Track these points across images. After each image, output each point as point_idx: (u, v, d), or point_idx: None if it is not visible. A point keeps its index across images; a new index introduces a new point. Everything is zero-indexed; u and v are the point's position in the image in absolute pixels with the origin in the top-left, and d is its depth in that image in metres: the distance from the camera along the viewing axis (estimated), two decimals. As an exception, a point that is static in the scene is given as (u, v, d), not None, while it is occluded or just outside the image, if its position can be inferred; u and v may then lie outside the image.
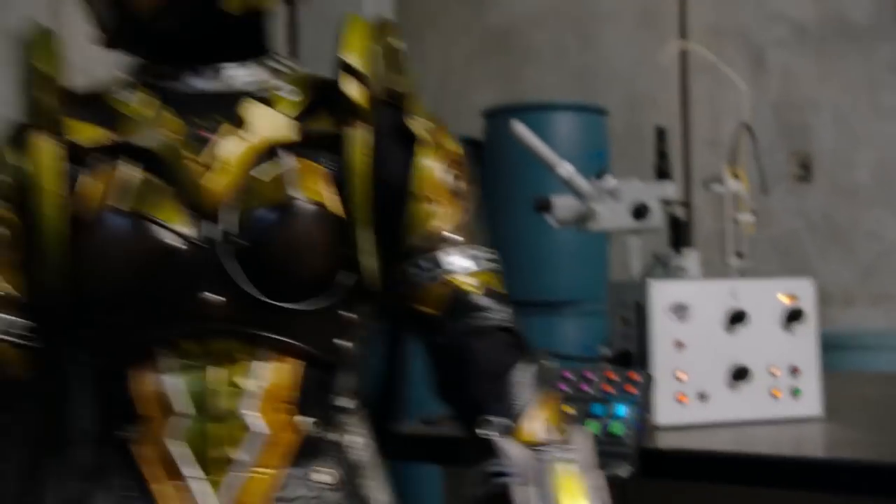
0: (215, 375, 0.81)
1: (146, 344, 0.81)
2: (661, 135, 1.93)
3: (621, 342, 1.35)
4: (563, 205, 1.89)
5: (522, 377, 0.84)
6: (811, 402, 1.30)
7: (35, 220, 0.82)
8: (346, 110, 0.84)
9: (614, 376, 1.16)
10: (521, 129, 1.99)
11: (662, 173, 1.88)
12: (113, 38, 0.88)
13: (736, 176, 1.82)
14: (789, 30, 3.40)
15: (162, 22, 0.84)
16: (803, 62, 3.38)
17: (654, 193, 1.85)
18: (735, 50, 3.44)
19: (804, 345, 1.30)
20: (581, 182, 1.93)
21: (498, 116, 3.27)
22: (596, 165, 2.98)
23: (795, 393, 1.28)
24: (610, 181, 1.89)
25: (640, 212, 1.82)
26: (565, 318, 2.94)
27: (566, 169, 1.94)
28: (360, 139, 0.84)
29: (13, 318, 0.84)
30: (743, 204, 1.82)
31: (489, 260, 0.88)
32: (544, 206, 1.87)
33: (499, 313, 0.85)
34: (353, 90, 0.84)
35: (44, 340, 0.85)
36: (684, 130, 3.50)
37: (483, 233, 0.90)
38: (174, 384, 0.80)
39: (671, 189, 1.87)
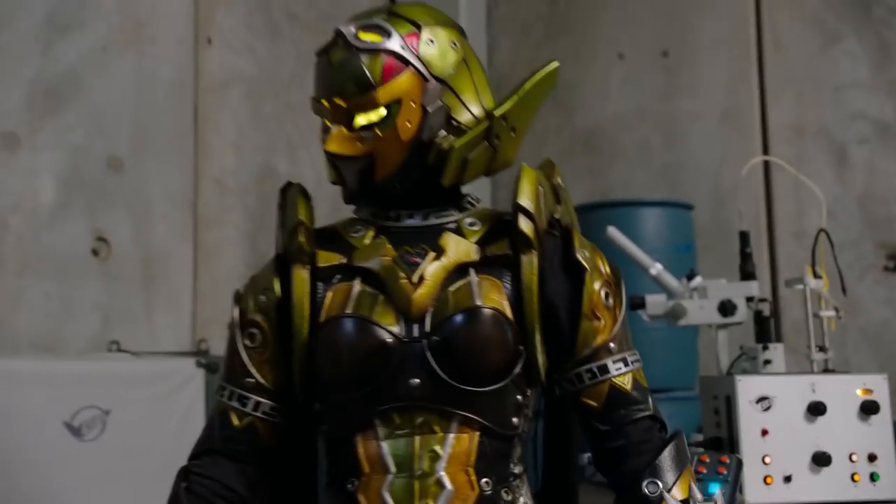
0: (419, 443, 1.04)
1: (368, 416, 1.05)
2: (744, 238, 2.11)
3: (713, 429, 1.51)
4: (655, 302, 2.08)
5: (670, 453, 1.06)
6: (889, 486, 1.43)
7: (290, 328, 1.08)
8: (520, 241, 1.08)
9: (707, 459, 1.33)
10: (615, 233, 2.21)
11: (747, 274, 2.05)
12: (351, 194, 1.15)
13: (817, 275, 1.97)
14: (870, 127, 3.52)
15: (391, 187, 1.11)
16: (886, 157, 3.48)
17: (740, 292, 2.02)
18: (817, 146, 3.57)
19: (880, 434, 1.44)
20: (671, 281, 2.12)
21: (589, 212, 3.44)
22: (683, 258, 3.15)
23: (874, 478, 1.42)
24: (698, 281, 2.07)
25: (726, 309, 1.99)
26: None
27: (657, 269, 2.14)
28: (531, 263, 1.07)
29: (262, 399, 1.11)
30: (825, 301, 1.96)
31: (635, 361, 1.12)
32: (638, 305, 2.06)
33: (645, 404, 1.10)
34: (526, 227, 1.07)
35: (286, 417, 1.12)
36: (769, 222, 3.60)
37: (628, 334, 1.13)
38: (389, 448, 1.04)
39: (755, 288, 2.03)
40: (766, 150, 3.64)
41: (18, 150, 2.39)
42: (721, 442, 1.47)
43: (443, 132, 1.10)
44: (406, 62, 1.08)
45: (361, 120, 1.08)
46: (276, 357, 1.11)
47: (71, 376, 2.03)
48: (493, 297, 1.06)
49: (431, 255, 1.09)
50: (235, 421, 1.11)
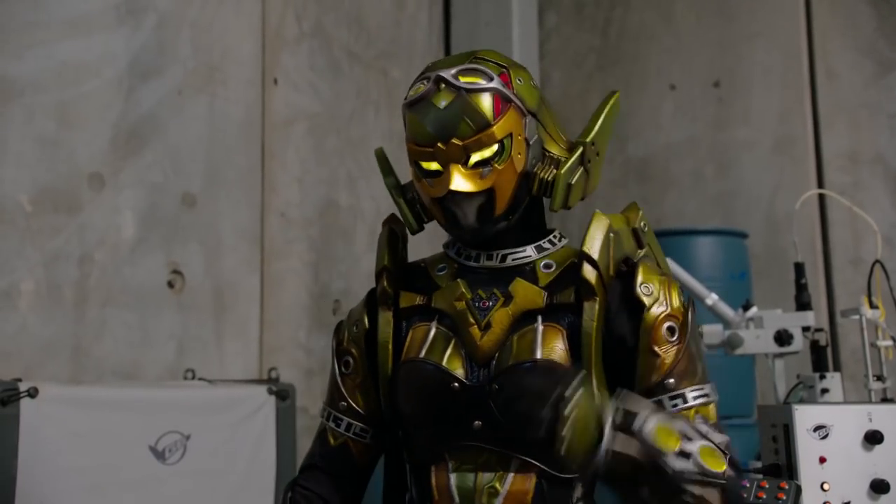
0: (482, 479, 1.11)
1: (441, 450, 1.14)
2: (799, 269, 2.14)
3: (771, 456, 1.56)
4: (712, 332, 2.13)
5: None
6: (948, 514, 1.46)
7: (376, 360, 1.18)
8: (584, 288, 1.12)
9: (767, 485, 1.38)
10: (670, 264, 2.26)
11: (803, 304, 2.09)
12: (465, 233, 1.18)
13: (873, 306, 1.99)
14: (926, 154, 3.51)
15: (505, 220, 1.16)
16: (943, 183, 3.47)
17: (796, 322, 2.06)
18: (873, 174, 3.57)
19: (938, 462, 1.47)
20: (727, 311, 2.17)
21: (643, 241, 3.48)
22: (738, 285, 3.16)
23: (932, 505, 1.45)
24: (754, 311, 2.11)
25: (782, 339, 2.04)
26: (714, 432, 3.08)
27: (713, 299, 2.19)
28: (592, 310, 1.12)
29: (353, 421, 1.24)
30: (882, 331, 1.98)
31: (699, 396, 1.11)
32: (695, 334, 2.11)
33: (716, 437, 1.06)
34: (590, 275, 1.12)
35: (375, 439, 1.23)
36: (825, 250, 3.59)
37: (697, 367, 1.12)
38: (455, 481, 1.12)
39: (811, 318, 2.07)
40: (820, 179, 3.65)
41: (103, 190, 2.54)
42: (780, 469, 1.51)
43: (539, 164, 1.17)
44: (508, 99, 1.14)
45: (476, 157, 1.12)
46: (366, 383, 1.23)
47: (154, 403, 2.14)
48: (551, 346, 1.11)
49: (501, 301, 1.14)
50: (331, 440, 1.24)
